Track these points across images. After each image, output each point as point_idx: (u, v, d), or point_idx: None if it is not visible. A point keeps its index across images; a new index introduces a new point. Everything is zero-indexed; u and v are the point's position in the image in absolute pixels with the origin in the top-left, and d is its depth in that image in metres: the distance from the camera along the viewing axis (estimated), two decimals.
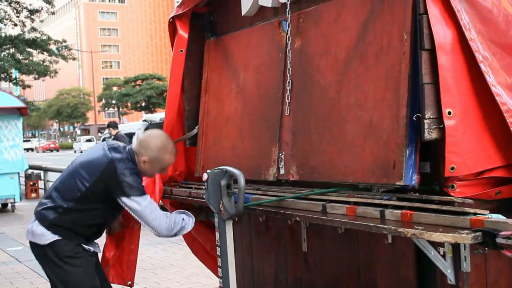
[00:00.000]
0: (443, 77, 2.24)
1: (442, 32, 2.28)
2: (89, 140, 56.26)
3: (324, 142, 2.81)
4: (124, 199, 3.05)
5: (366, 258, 2.83)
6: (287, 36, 3.09)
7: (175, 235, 3.19)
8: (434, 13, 2.28)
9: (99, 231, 3.31)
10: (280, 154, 3.06)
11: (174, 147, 3.27)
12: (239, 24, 3.55)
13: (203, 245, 4.05)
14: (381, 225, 2.31)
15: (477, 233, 2.06)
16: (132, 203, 3.04)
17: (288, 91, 3.06)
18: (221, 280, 3.06)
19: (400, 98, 2.42)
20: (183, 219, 3.20)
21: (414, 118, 2.35)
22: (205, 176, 2.99)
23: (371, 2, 2.62)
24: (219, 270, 3.06)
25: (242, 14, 3.43)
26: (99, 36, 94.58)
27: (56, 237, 3.09)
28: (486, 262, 2.39)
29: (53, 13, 26.56)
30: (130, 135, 11.55)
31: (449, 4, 2.30)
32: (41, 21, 27.41)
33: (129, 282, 3.71)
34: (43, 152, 56.38)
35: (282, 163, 3.04)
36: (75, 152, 55.82)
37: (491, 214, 2.17)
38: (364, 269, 2.85)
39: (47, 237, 3.10)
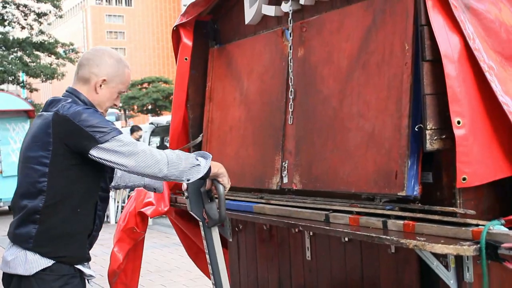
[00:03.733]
0: (450, 87, 2.22)
1: (447, 42, 2.27)
2: None
3: (327, 151, 2.81)
4: (105, 145, 2.29)
5: (369, 267, 2.83)
6: (290, 45, 3.09)
7: (181, 175, 2.42)
8: (438, 23, 2.28)
9: (94, 222, 2.49)
10: (283, 163, 3.06)
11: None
12: (242, 32, 3.56)
13: (201, 248, 4.00)
14: (384, 236, 2.32)
15: (479, 245, 2.06)
16: (114, 146, 2.30)
17: (291, 100, 3.06)
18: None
19: (402, 108, 2.42)
20: (197, 159, 2.46)
21: (416, 129, 2.35)
22: (184, 186, 2.92)
23: (373, 12, 2.62)
24: (211, 277, 3.04)
25: (246, 23, 3.44)
26: (106, 39, 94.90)
27: (48, 262, 2.33)
28: (489, 273, 2.39)
29: (60, 17, 26.67)
30: (137, 139, 11.67)
31: (452, 14, 2.30)
32: (49, 24, 27.54)
33: None
34: None
35: (285, 172, 3.05)
36: None
37: (494, 226, 2.16)
38: (367, 278, 2.85)
39: (33, 263, 2.32)
